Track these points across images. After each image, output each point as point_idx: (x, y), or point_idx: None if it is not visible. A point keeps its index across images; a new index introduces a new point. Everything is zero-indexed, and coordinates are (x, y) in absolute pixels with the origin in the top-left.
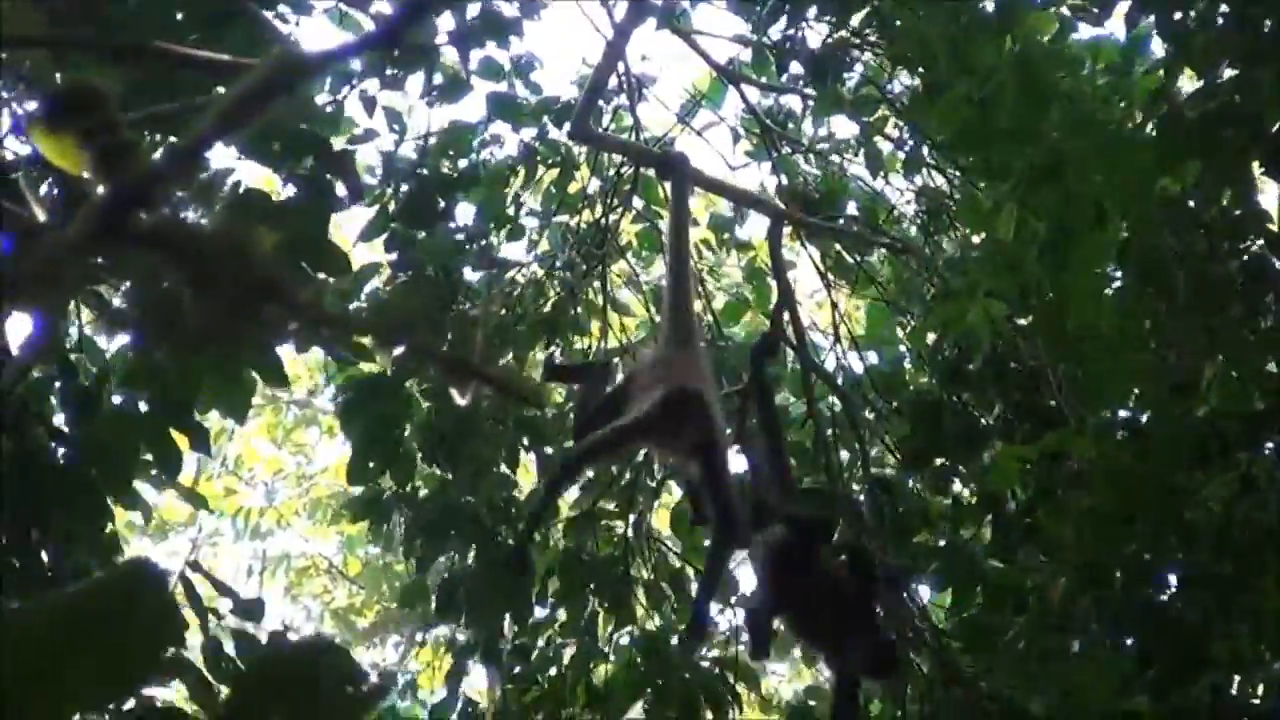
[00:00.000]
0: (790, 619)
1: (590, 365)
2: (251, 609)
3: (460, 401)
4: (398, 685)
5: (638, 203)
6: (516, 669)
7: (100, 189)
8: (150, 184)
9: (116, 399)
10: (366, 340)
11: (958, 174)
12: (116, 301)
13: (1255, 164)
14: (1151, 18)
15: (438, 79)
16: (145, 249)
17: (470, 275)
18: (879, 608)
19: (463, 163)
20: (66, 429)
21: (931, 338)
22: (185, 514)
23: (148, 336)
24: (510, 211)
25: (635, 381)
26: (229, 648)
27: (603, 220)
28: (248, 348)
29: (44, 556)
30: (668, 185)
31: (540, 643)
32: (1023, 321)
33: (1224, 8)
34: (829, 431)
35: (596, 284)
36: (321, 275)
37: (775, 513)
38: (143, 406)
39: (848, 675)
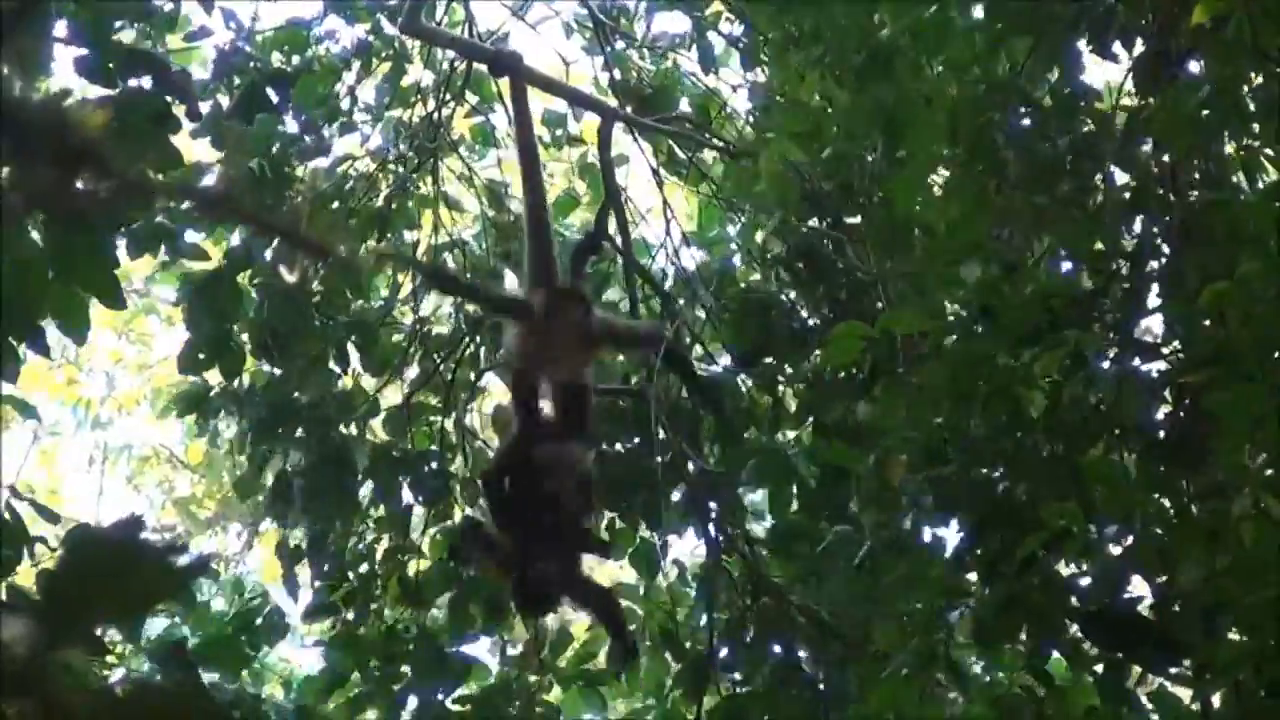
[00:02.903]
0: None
1: None
2: (78, 535)
3: (289, 278)
4: (234, 579)
5: (470, 97)
6: (326, 565)
7: None
8: None
9: None
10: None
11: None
12: None
13: (1083, 42)
14: None
15: None
16: None
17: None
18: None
19: (296, 59)
20: None
21: (760, 236)
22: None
23: None
24: (344, 105)
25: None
26: None
27: (435, 115)
28: (88, 245)
29: None
30: (500, 81)
31: (354, 538)
32: (851, 221)
33: None
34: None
35: (429, 178)
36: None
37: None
38: None
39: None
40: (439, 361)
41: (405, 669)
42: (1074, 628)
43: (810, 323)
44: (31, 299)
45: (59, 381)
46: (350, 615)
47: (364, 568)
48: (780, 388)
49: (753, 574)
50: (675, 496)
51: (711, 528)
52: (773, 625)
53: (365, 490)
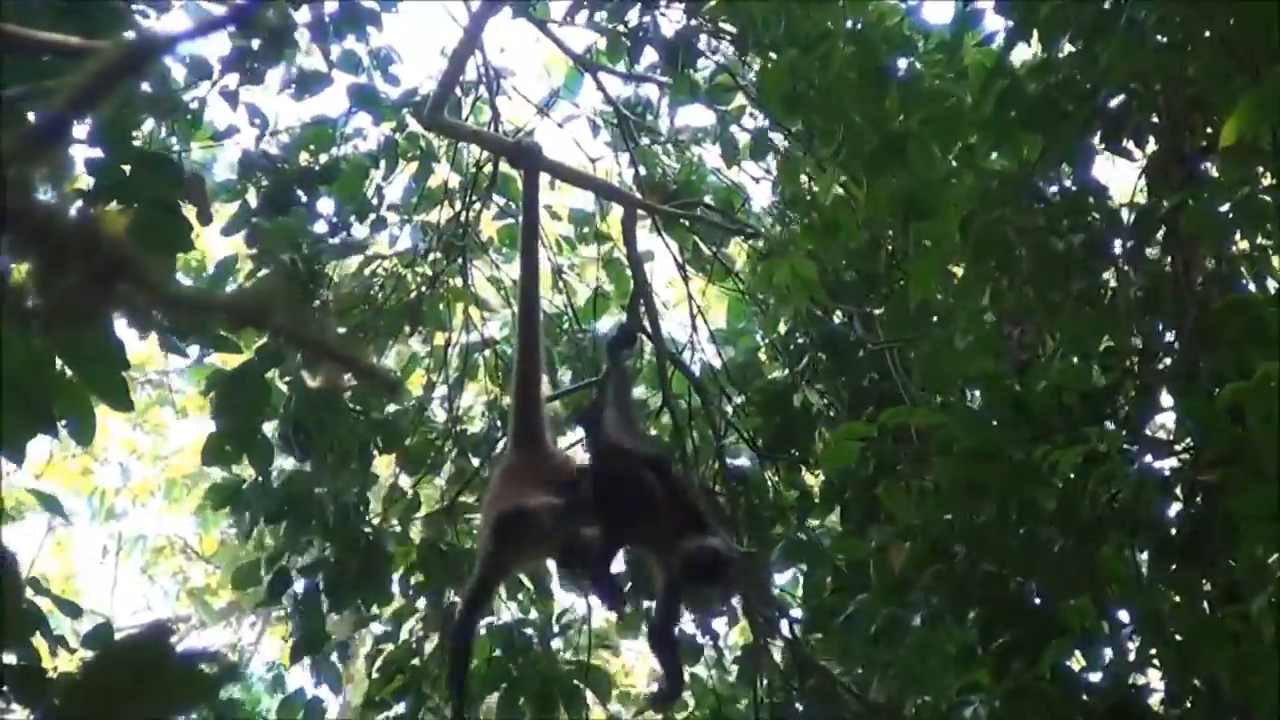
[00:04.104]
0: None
1: None
2: (100, 636)
3: (312, 384)
4: (247, 667)
5: (497, 199)
6: (379, 660)
7: None
8: (2, 165)
9: None
10: (224, 326)
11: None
12: None
13: (1096, 139)
14: None
15: (296, 71)
16: None
17: (331, 267)
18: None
19: (324, 156)
20: None
21: (783, 327)
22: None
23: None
24: (373, 203)
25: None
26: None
27: (463, 215)
28: (100, 348)
29: None
30: (523, 175)
31: (403, 633)
32: (874, 311)
33: None
34: (687, 422)
35: (458, 277)
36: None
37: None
38: None
39: (672, 579)
40: (479, 463)
41: None
42: None
43: (831, 411)
44: (42, 392)
45: (73, 471)
46: (401, 709)
47: (415, 662)
48: (804, 474)
49: (797, 655)
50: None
51: (751, 612)
52: (821, 705)
53: (400, 583)
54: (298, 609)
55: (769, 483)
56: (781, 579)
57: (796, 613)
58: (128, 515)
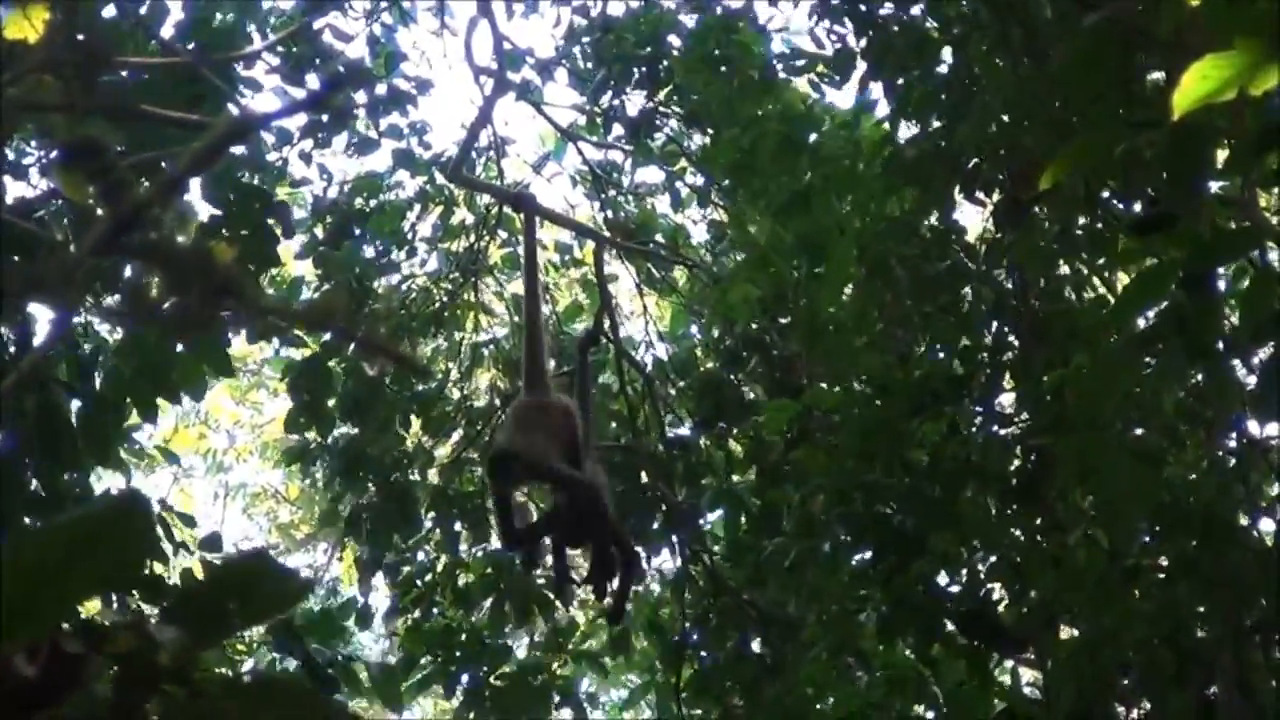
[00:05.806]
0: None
1: None
2: (211, 541)
3: (370, 372)
4: (322, 584)
5: (501, 234)
6: (401, 575)
7: (101, 215)
8: (138, 211)
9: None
10: (300, 328)
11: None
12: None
13: (956, 191)
14: (879, 83)
15: (354, 138)
16: (135, 258)
17: (377, 283)
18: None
19: (373, 201)
20: (75, 388)
21: (715, 332)
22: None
23: (137, 323)
24: (408, 236)
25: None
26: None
27: (475, 245)
28: (210, 336)
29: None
30: (521, 216)
31: (419, 556)
32: (783, 321)
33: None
34: (641, 404)
35: (472, 292)
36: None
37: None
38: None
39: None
40: (481, 428)
41: (458, 654)
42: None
43: (750, 396)
44: (164, 367)
45: (193, 436)
46: (418, 614)
47: (427, 578)
48: (731, 443)
49: (713, 579)
50: (655, 525)
51: (681, 545)
52: (730, 617)
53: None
54: (365, 539)
55: (702, 447)
56: (708, 525)
57: (715, 546)
58: (233, 469)
